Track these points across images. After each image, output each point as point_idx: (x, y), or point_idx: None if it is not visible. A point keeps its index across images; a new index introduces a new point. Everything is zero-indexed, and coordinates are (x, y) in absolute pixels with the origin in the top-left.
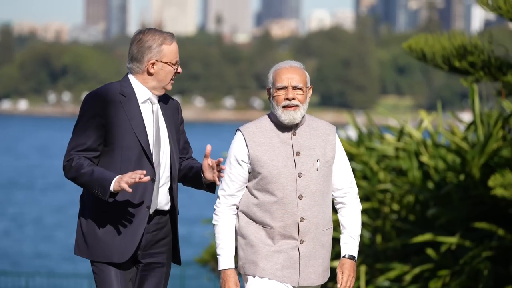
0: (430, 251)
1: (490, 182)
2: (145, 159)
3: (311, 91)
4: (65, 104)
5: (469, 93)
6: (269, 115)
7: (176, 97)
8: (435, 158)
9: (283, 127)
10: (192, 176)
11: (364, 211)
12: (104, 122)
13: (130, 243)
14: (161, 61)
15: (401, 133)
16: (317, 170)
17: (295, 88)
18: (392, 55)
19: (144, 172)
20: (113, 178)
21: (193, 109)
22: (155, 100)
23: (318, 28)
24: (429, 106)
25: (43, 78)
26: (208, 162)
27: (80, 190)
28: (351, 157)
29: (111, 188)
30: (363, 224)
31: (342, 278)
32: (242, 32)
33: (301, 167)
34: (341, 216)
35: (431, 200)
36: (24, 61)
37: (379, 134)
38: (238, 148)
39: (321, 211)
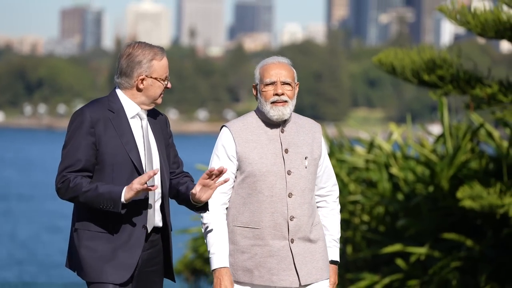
0: (399, 262)
1: (459, 194)
2: (137, 176)
3: (297, 88)
4: (41, 116)
5: (438, 106)
6: (255, 112)
7: None
8: (405, 170)
9: (271, 124)
10: (181, 197)
11: None
12: (94, 140)
13: (128, 263)
14: (151, 77)
15: (371, 145)
16: (306, 167)
17: (284, 83)
18: (363, 68)
19: (156, 170)
20: (122, 189)
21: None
22: (144, 115)
23: (290, 41)
24: (399, 119)
25: (19, 91)
26: (197, 189)
27: (70, 206)
28: None
29: (123, 199)
30: None
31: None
32: (215, 46)
33: (290, 164)
34: (322, 216)
35: (400, 211)
36: (0, 74)
37: (349, 146)
38: (226, 143)
39: (310, 209)
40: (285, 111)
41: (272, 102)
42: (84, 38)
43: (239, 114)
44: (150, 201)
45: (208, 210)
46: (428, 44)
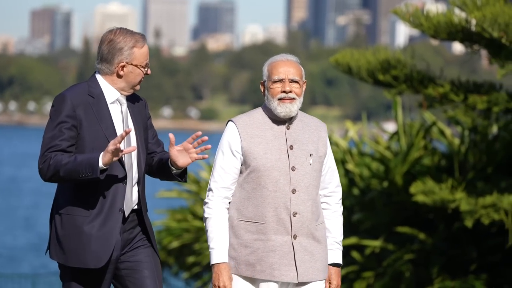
0: (355, 254)
1: (412, 189)
2: (116, 161)
3: (305, 86)
4: (12, 113)
5: (392, 104)
6: (262, 108)
7: None
8: (360, 166)
9: (277, 121)
10: (159, 166)
11: None
12: (75, 123)
13: (105, 247)
14: (131, 64)
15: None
16: (310, 164)
17: (292, 81)
18: (321, 68)
19: (129, 130)
20: (99, 154)
21: None
22: (124, 101)
23: (252, 42)
24: (355, 117)
25: None
26: (176, 149)
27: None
28: None
29: (101, 164)
30: None
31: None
32: (180, 46)
33: (295, 161)
34: (325, 219)
35: (356, 206)
36: None
37: None
38: (231, 138)
39: (314, 205)
40: (293, 108)
41: (280, 99)
42: (54, 38)
43: (202, 111)
44: (128, 185)
45: (186, 181)
46: (383, 45)
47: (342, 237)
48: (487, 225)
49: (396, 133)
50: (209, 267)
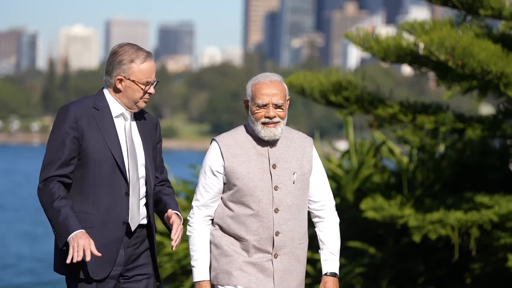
0: (308, 267)
1: (362, 206)
2: (118, 173)
3: (288, 102)
4: None
5: (344, 124)
6: (245, 126)
7: None
8: None
9: (260, 139)
10: (157, 209)
11: None
12: (77, 135)
13: (107, 260)
14: (129, 79)
15: None
16: (294, 183)
17: (276, 106)
18: None
19: (99, 255)
20: (73, 231)
21: None
22: (128, 116)
23: (210, 63)
24: (309, 135)
25: None
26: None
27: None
28: None
29: (69, 239)
30: None
31: None
32: None
33: (277, 180)
34: (319, 231)
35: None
36: None
37: None
38: (213, 158)
39: (297, 224)
40: (277, 131)
41: (263, 123)
42: (20, 59)
43: (163, 130)
44: (133, 199)
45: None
46: (335, 68)
47: (338, 247)
48: (434, 240)
49: (347, 152)
50: (169, 279)
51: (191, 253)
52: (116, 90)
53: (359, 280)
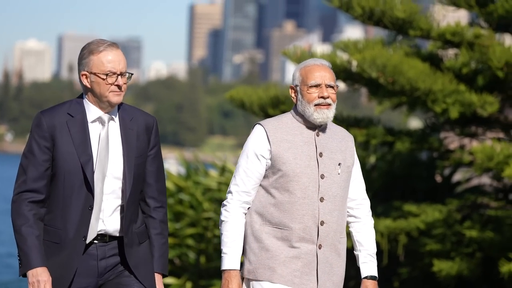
0: None
1: None
2: (84, 186)
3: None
4: None
5: None
6: (291, 113)
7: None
8: None
9: (307, 126)
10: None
11: (190, 236)
12: (48, 144)
13: (66, 273)
14: (91, 72)
15: (223, 169)
16: (339, 174)
17: (328, 86)
18: (219, 101)
19: None
20: (34, 268)
21: None
22: (106, 120)
23: (156, 77)
24: None
25: None
26: None
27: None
28: (180, 189)
29: (27, 274)
30: (190, 247)
31: None
32: None
33: (324, 168)
34: (355, 232)
35: None
36: None
37: (204, 170)
38: (258, 142)
39: (340, 216)
40: (330, 114)
41: (316, 105)
42: None
43: None
44: (94, 215)
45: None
46: (274, 83)
47: (375, 249)
48: None
49: None
50: None
51: (224, 239)
52: (86, 90)
53: None
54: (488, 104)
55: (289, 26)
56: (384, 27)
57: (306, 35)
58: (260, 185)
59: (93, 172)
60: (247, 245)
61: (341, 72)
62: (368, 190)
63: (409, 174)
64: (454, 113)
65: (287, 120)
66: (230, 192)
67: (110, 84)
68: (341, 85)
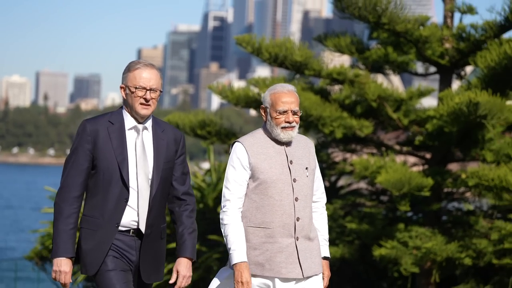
0: None
1: (219, 209)
2: (120, 181)
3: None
4: None
5: (207, 150)
6: (262, 130)
7: (15, 149)
8: None
9: (277, 140)
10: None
11: None
12: (90, 147)
13: (98, 257)
14: (127, 86)
15: None
16: (307, 176)
17: (293, 112)
18: None
19: (68, 284)
20: (59, 257)
21: (28, 156)
22: (140, 129)
23: (112, 104)
24: None
25: None
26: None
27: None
28: None
29: (54, 259)
30: None
31: (323, 278)
32: (61, 106)
33: (295, 173)
34: (314, 220)
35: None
36: None
37: None
38: (240, 155)
39: (309, 211)
40: (293, 134)
41: (283, 127)
42: None
43: None
44: (130, 204)
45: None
46: (202, 110)
47: (328, 235)
48: None
49: (209, 170)
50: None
51: (230, 238)
52: (124, 101)
53: (216, 263)
54: (365, 127)
55: (213, 67)
56: (286, 68)
57: (227, 74)
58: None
59: (127, 171)
60: None
61: (253, 102)
62: None
63: None
64: (338, 134)
65: (260, 136)
66: (227, 200)
67: (139, 97)
68: (253, 112)
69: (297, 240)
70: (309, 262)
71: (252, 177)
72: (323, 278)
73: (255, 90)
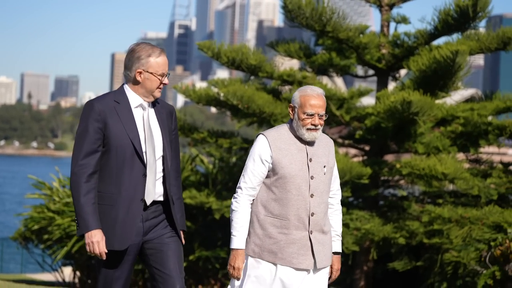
0: None
1: (183, 195)
2: (136, 157)
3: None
4: None
5: None
6: (287, 126)
7: (1, 142)
8: None
9: (299, 138)
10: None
11: None
12: (100, 125)
13: (128, 232)
14: (147, 71)
15: None
16: (325, 174)
17: (320, 116)
18: None
19: (106, 251)
20: (90, 229)
21: (13, 148)
22: (146, 106)
23: None
24: None
25: None
26: None
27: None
28: None
29: (83, 232)
30: None
31: (332, 271)
32: (43, 104)
33: (313, 171)
34: (329, 215)
35: None
36: None
37: None
38: (262, 149)
39: (325, 207)
40: (317, 135)
41: (308, 129)
42: None
43: (57, 145)
44: (149, 179)
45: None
46: None
47: (341, 230)
48: (228, 217)
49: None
50: (58, 241)
51: (234, 224)
52: (135, 82)
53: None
54: None
55: (179, 69)
56: (242, 70)
57: (190, 75)
58: (264, 182)
59: (140, 146)
60: (253, 229)
61: (213, 100)
62: (230, 180)
63: None
64: None
65: (284, 131)
66: (240, 187)
67: (159, 82)
68: (214, 109)
69: (311, 233)
70: (322, 255)
71: (273, 170)
72: (331, 272)
73: (215, 89)
